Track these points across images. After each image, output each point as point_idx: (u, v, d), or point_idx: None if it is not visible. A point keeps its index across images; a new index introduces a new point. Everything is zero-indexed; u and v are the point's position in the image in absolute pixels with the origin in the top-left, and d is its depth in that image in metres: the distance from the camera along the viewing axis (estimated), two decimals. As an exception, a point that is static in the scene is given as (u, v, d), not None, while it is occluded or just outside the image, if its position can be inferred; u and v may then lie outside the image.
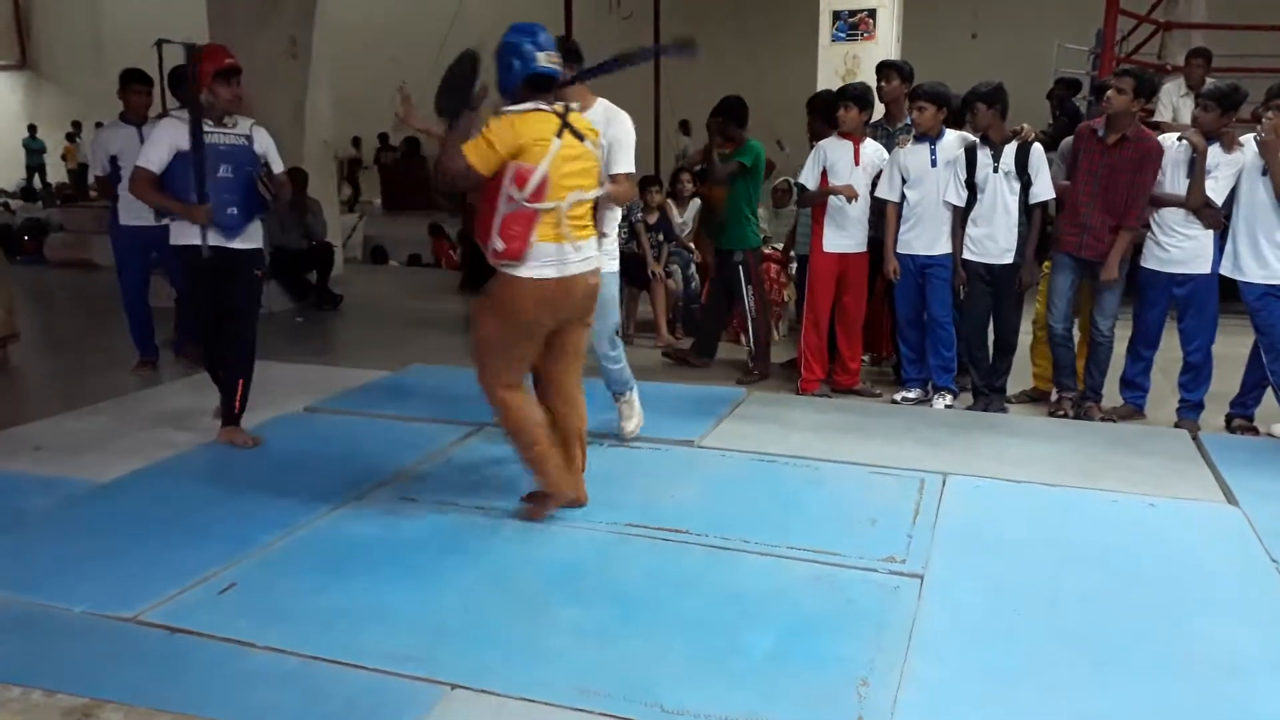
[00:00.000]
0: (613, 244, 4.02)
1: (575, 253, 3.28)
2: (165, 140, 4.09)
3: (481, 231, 3.24)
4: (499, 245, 3.16)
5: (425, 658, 2.55)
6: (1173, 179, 4.51)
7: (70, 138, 18.95)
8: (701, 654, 2.59)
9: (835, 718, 2.32)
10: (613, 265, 4.01)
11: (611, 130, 3.76)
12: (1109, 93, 4.54)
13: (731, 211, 5.48)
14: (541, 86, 3.23)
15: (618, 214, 4.04)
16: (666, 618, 2.79)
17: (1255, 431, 4.58)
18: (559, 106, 3.26)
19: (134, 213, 5.46)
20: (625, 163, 3.76)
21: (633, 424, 4.36)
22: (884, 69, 5.30)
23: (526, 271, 3.21)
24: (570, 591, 2.95)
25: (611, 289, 4.05)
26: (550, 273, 3.23)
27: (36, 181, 19.01)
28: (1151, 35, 9.41)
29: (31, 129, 19.34)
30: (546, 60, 3.21)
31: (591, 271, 3.36)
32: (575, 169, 3.25)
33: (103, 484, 3.83)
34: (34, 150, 19.23)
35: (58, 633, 2.71)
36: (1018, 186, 4.63)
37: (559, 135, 3.18)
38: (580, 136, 3.27)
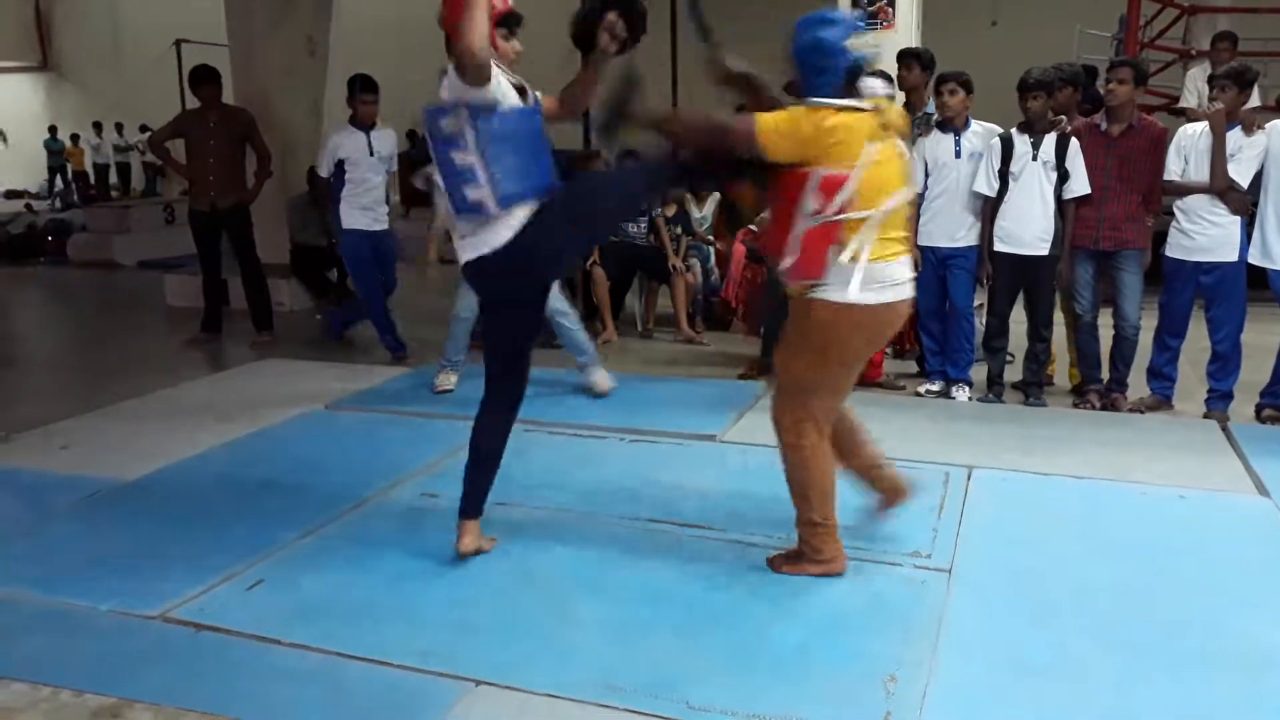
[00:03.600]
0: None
1: (894, 272, 2.78)
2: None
3: (774, 247, 2.76)
4: (800, 264, 2.69)
5: (449, 654, 2.55)
6: (1196, 167, 4.44)
7: (74, 139, 19.10)
8: (727, 650, 2.57)
9: (864, 714, 2.29)
10: None
11: None
12: (1111, 86, 4.52)
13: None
14: (856, 79, 2.74)
15: None
16: (692, 613, 2.77)
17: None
18: (877, 100, 2.77)
19: (353, 217, 5.84)
20: None
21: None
22: (905, 57, 5.24)
23: (848, 296, 2.71)
24: (594, 587, 2.94)
25: None
26: (871, 298, 2.73)
27: (59, 182, 19.20)
28: (1176, 20, 9.29)
29: (52, 130, 19.52)
30: (858, 44, 2.71)
31: (909, 299, 2.88)
32: (889, 173, 2.75)
33: (128, 482, 3.85)
34: (55, 151, 19.41)
35: (85, 631, 2.73)
36: (1055, 177, 4.57)
37: (876, 137, 2.69)
38: (896, 133, 2.79)
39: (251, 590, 2.93)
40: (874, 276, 2.72)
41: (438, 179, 2.98)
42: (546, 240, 2.86)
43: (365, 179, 5.83)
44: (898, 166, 2.78)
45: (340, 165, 5.81)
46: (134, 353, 6.48)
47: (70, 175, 19.21)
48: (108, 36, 20.41)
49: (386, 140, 5.93)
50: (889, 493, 3.16)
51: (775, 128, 2.65)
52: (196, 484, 3.84)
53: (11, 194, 18.61)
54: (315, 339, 6.79)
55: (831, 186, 2.63)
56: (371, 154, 5.82)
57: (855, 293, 2.70)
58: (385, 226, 5.98)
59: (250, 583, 2.98)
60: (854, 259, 2.68)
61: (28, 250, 11.53)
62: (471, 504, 3.10)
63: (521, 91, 2.96)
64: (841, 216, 2.65)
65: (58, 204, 17.04)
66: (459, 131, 2.77)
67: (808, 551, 2.95)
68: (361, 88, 5.84)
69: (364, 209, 5.85)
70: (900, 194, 2.78)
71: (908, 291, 2.85)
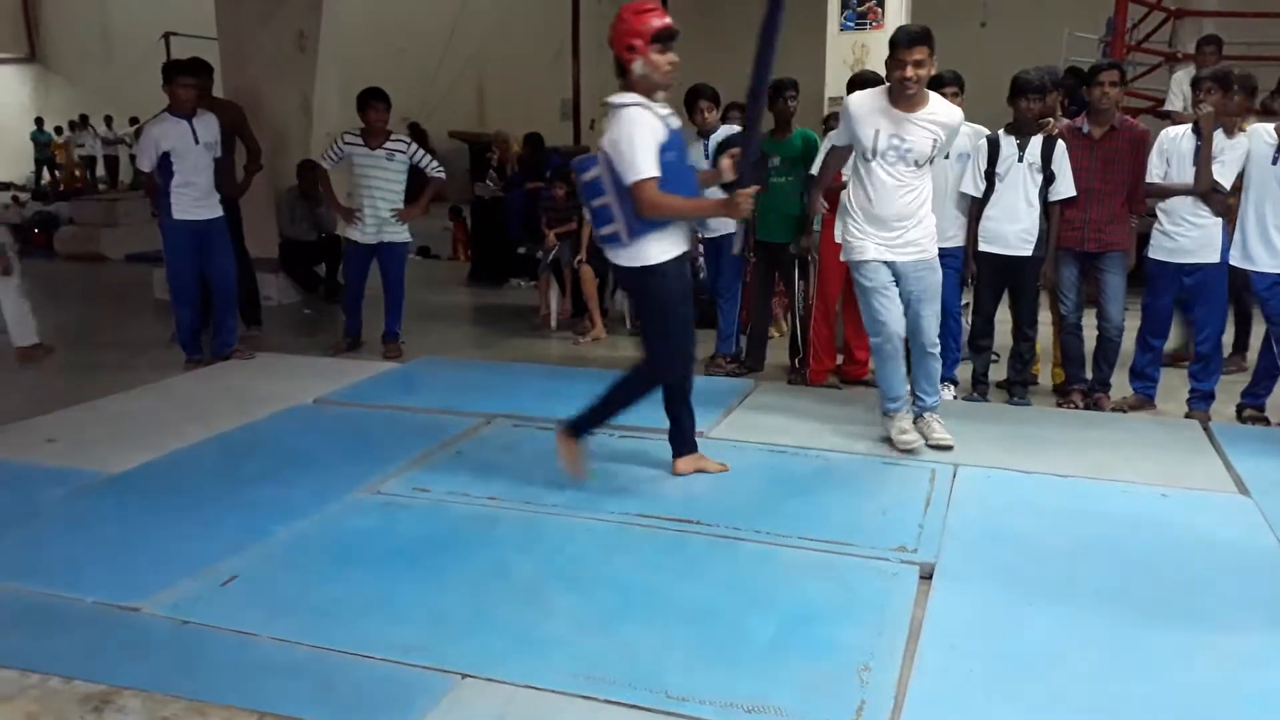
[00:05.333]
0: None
1: None
2: (649, 135, 3.36)
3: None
4: None
5: (431, 648, 2.56)
6: (1178, 169, 4.49)
7: (58, 131, 18.98)
8: (705, 641, 2.60)
9: (838, 704, 2.32)
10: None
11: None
12: (1105, 89, 4.54)
13: (780, 202, 5.18)
14: None
15: None
16: (670, 606, 2.79)
17: (1266, 421, 4.56)
18: None
19: (186, 207, 5.56)
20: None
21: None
22: None
23: None
24: (573, 581, 2.95)
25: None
26: None
27: (45, 174, 19.09)
28: (1162, 23, 9.35)
29: (39, 122, 19.41)
30: None
31: None
32: None
33: (114, 475, 3.85)
34: (41, 143, 19.30)
35: (71, 622, 2.73)
36: (1040, 179, 4.60)
37: None
38: None
39: (233, 583, 2.94)
40: None
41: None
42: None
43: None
44: None
45: (166, 156, 5.54)
46: (121, 346, 6.47)
47: (55, 168, 19.11)
48: (96, 29, 20.28)
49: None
50: None
51: None
52: (183, 477, 3.84)
53: (-4, 185, 18.51)
54: (304, 333, 6.79)
55: None
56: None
57: None
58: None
59: (233, 575, 2.98)
60: None
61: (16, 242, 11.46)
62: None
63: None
64: None
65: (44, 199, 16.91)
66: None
67: None
68: (182, 71, 5.64)
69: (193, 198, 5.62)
70: None
71: None
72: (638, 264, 3.48)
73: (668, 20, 3.40)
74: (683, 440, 3.83)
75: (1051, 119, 4.73)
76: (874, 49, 5.83)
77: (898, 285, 4.00)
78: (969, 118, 4.89)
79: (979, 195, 4.72)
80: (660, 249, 3.47)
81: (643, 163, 3.32)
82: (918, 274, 4.00)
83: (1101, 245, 4.62)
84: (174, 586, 2.89)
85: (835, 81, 5.71)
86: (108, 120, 18.97)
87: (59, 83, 21.22)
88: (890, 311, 3.98)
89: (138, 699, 2.36)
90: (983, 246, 4.75)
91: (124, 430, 4.40)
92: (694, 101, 5.33)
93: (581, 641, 2.61)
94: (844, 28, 6.10)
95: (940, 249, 4.83)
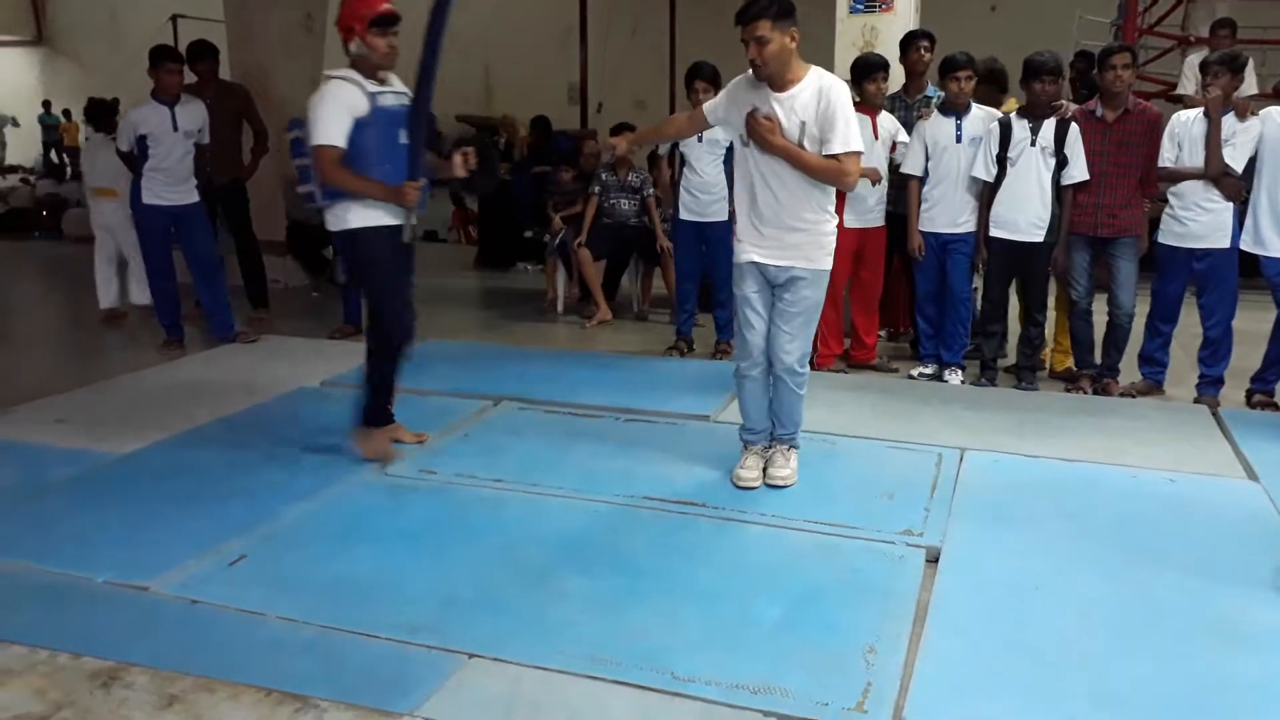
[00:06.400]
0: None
1: None
2: (340, 107, 3.53)
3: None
4: None
5: (438, 628, 2.57)
6: (1190, 153, 4.45)
7: (67, 115, 18.97)
8: (712, 623, 2.60)
9: (846, 685, 2.32)
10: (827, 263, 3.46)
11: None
12: (1118, 72, 4.49)
13: None
14: None
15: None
16: (676, 588, 2.80)
17: (1276, 407, 4.55)
18: None
19: (157, 192, 5.53)
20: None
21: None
22: (923, 37, 5.21)
23: None
24: (580, 562, 2.96)
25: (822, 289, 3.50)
26: None
27: (54, 157, 19.10)
28: (1175, 6, 9.27)
29: (46, 105, 19.40)
30: None
31: None
32: None
33: (123, 456, 3.86)
34: (49, 126, 19.30)
35: (80, 600, 2.75)
36: (1053, 163, 4.57)
37: None
38: None
39: (241, 563, 2.95)
40: None
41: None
42: None
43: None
44: None
45: (143, 140, 5.52)
46: (130, 327, 6.48)
47: (63, 150, 19.11)
48: (103, 11, 20.24)
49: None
50: None
51: None
52: (191, 458, 3.85)
53: (6, 169, 18.51)
54: (312, 317, 6.79)
55: None
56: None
57: None
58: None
59: (241, 555, 2.99)
60: None
61: (22, 224, 11.50)
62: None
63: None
64: None
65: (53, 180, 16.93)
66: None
67: None
68: (166, 57, 5.55)
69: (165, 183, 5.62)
70: None
71: None
72: (338, 227, 3.66)
73: (387, 6, 3.59)
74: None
75: (1065, 101, 4.70)
76: (884, 32, 5.80)
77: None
78: (978, 100, 4.86)
79: (990, 180, 4.68)
80: (360, 215, 3.60)
81: (323, 131, 3.51)
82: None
83: (1115, 230, 4.59)
84: (182, 566, 2.91)
85: (844, 65, 5.67)
86: (114, 102, 18.92)
87: (66, 65, 21.21)
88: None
89: (146, 675, 2.37)
90: (994, 232, 4.72)
91: (132, 411, 4.42)
92: (691, 81, 5.31)
93: (588, 622, 2.61)
94: (854, 10, 6.04)
95: (953, 234, 4.85)
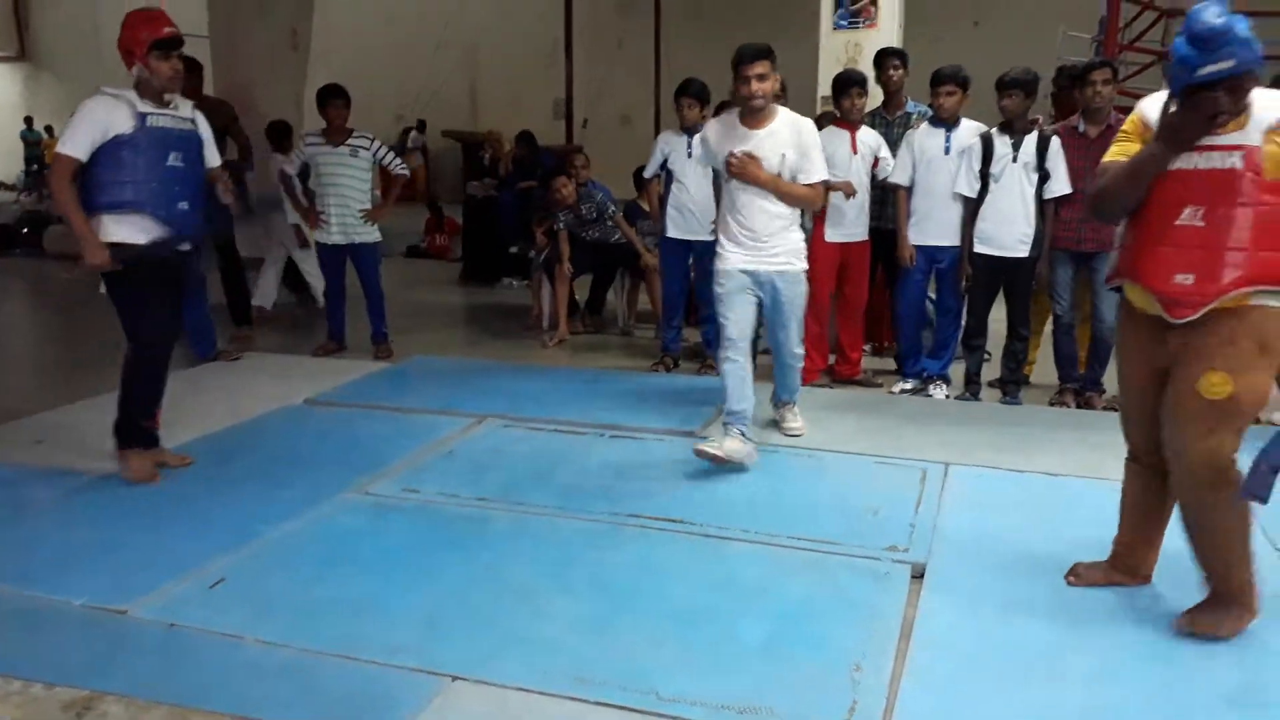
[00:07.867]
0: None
1: None
2: (94, 122, 3.54)
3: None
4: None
5: (420, 650, 2.54)
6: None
7: (49, 131, 18.89)
8: (696, 642, 2.59)
9: (830, 703, 2.31)
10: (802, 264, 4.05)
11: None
12: (1095, 87, 4.53)
13: None
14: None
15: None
16: (660, 607, 2.78)
17: (1256, 420, 4.56)
18: None
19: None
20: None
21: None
22: (894, 55, 5.26)
23: None
24: (563, 582, 2.94)
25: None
26: None
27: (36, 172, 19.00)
28: (1155, 22, 9.38)
29: (28, 120, 19.31)
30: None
31: None
32: None
33: (102, 476, 3.82)
34: (31, 142, 19.21)
35: (56, 625, 2.71)
36: (1036, 178, 4.59)
37: None
38: None
39: (221, 585, 2.92)
40: None
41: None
42: None
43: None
44: None
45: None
46: (110, 345, 6.42)
47: (45, 166, 19.04)
48: (86, 27, 20.17)
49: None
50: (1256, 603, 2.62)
51: None
52: (171, 478, 3.81)
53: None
54: (295, 334, 6.76)
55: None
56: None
57: None
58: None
59: (221, 578, 2.96)
60: None
61: (2, 240, 11.42)
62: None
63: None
64: None
65: (35, 196, 16.84)
66: None
67: (1244, 604, 2.59)
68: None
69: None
70: None
71: None
72: (104, 237, 3.58)
73: (168, 30, 3.59)
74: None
75: (1041, 116, 4.72)
76: (867, 48, 5.84)
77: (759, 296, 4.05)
78: (964, 114, 4.88)
79: (973, 196, 4.70)
80: (115, 230, 3.58)
81: (68, 140, 3.53)
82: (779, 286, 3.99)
83: (1098, 245, 4.61)
84: (161, 588, 2.87)
85: (828, 81, 5.70)
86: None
87: (49, 81, 21.13)
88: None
89: (119, 705, 2.33)
90: (978, 248, 4.73)
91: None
92: (679, 98, 5.33)
93: (572, 642, 2.59)
94: (838, 26, 6.09)
95: (941, 247, 4.86)
